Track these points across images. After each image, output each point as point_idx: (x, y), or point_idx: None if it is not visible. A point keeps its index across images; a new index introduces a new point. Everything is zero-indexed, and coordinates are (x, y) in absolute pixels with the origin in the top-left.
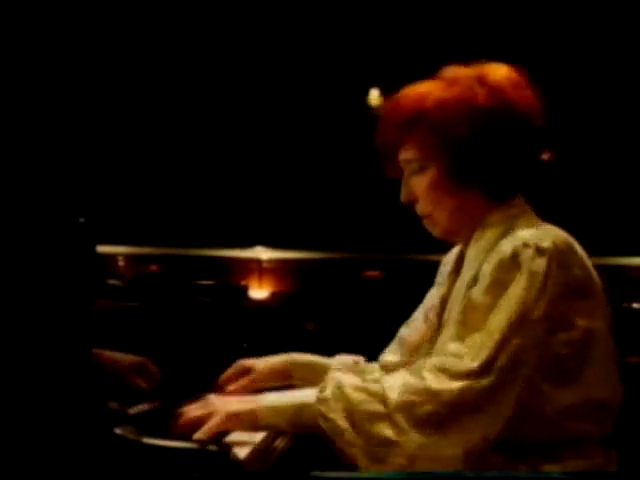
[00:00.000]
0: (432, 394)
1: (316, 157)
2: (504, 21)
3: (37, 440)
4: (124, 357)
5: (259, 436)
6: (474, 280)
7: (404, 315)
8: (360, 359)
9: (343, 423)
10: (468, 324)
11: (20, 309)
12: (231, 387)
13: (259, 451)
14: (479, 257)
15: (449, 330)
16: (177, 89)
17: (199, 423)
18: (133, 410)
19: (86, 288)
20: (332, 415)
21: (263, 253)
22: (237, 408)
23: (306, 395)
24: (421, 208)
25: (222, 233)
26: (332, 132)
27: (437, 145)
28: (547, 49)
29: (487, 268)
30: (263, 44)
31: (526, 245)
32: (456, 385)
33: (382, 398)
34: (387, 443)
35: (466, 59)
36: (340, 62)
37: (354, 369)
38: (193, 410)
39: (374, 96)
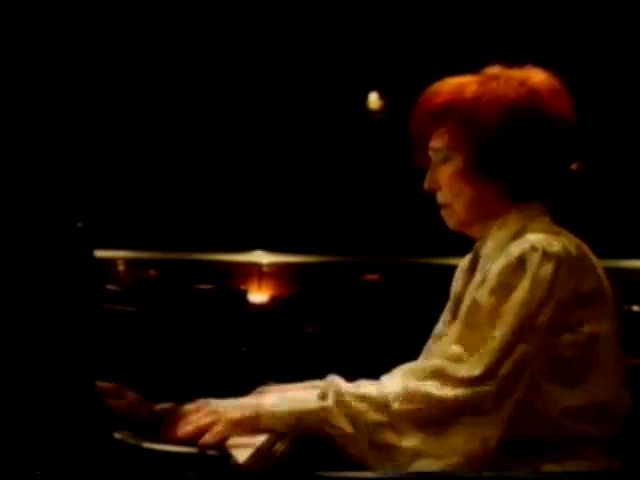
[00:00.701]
0: (434, 401)
1: (315, 161)
2: (504, 23)
3: (36, 445)
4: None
5: (259, 440)
6: (482, 279)
7: (403, 318)
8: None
9: (349, 429)
10: (471, 325)
11: (17, 314)
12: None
13: (259, 455)
14: (491, 257)
15: (453, 330)
16: (176, 94)
17: (202, 431)
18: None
19: (84, 293)
20: (337, 422)
21: (263, 257)
22: (240, 415)
23: (307, 401)
24: (442, 197)
25: (222, 237)
26: (332, 136)
27: (467, 136)
28: (550, 57)
29: (494, 270)
30: (263, 49)
31: (534, 249)
32: (458, 392)
33: (384, 407)
34: (391, 448)
35: (466, 62)
36: (339, 65)
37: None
38: (196, 418)
39: (373, 99)
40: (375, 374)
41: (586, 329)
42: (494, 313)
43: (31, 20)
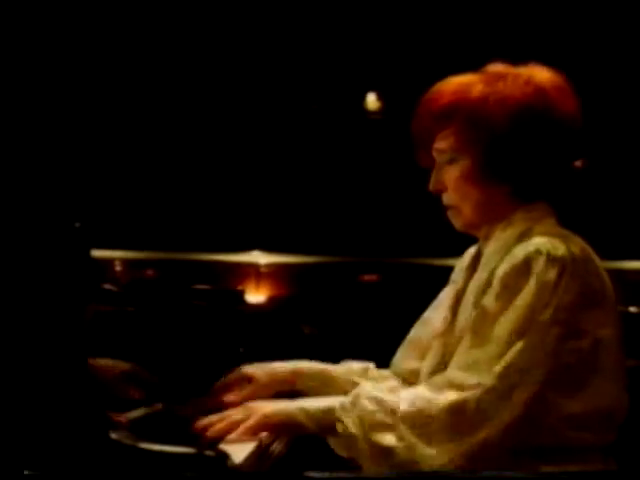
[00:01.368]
0: (435, 404)
1: (313, 161)
2: (503, 22)
3: (32, 446)
4: (112, 365)
5: (255, 441)
6: (488, 282)
7: (402, 318)
8: (369, 365)
9: (355, 430)
10: (480, 333)
11: (14, 314)
12: (232, 397)
13: (255, 456)
14: (496, 257)
15: (465, 340)
16: (173, 94)
17: (235, 426)
18: (130, 415)
19: (81, 293)
20: (347, 421)
21: (261, 257)
22: (271, 410)
23: (334, 400)
24: (448, 198)
25: (219, 237)
26: (329, 136)
27: (474, 137)
28: (549, 57)
29: (499, 273)
30: (260, 49)
31: (539, 252)
32: (458, 396)
33: (392, 409)
34: (389, 452)
35: (465, 63)
36: (337, 66)
37: (367, 377)
38: (233, 414)
39: (371, 100)
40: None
41: (589, 334)
42: (500, 316)
43: (31, 20)
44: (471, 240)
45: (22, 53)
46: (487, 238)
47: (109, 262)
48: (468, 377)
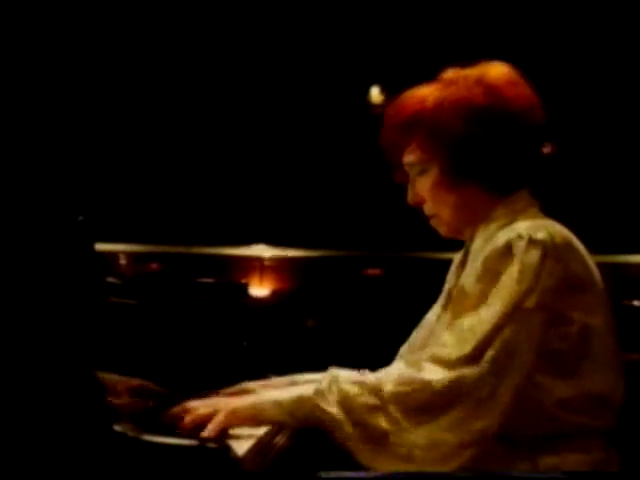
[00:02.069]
0: (424, 384)
1: (317, 155)
2: (503, 17)
3: (36, 438)
4: (118, 381)
5: (258, 433)
6: (470, 270)
7: (405, 312)
8: (365, 372)
9: (339, 415)
10: (459, 312)
11: (18, 308)
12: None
13: (258, 448)
14: (480, 250)
15: (444, 320)
16: (177, 85)
17: (203, 421)
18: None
19: (85, 287)
20: (328, 407)
21: (264, 251)
22: (238, 404)
23: (305, 388)
24: (427, 208)
25: (223, 231)
26: (333, 130)
27: (436, 145)
28: (552, 46)
29: (481, 257)
30: (264, 42)
31: (520, 237)
32: (446, 374)
33: (377, 390)
34: (382, 434)
35: (466, 56)
36: (341, 60)
37: None
38: (197, 409)
39: (375, 94)
40: (377, 368)
41: (578, 319)
42: (482, 298)
43: (31, 20)
44: None
45: (25, 52)
46: (473, 238)
47: (114, 255)
48: (450, 352)
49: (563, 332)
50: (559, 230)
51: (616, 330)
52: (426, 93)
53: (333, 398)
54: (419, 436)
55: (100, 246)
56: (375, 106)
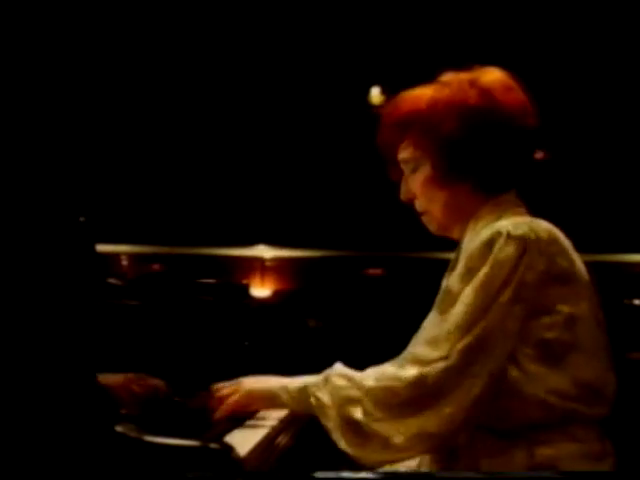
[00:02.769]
0: (398, 380)
1: (318, 155)
2: (502, 21)
3: (37, 438)
4: (114, 377)
5: (260, 434)
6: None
7: (406, 312)
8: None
9: (328, 404)
10: (443, 311)
11: (19, 308)
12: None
13: (261, 448)
14: (467, 248)
15: (429, 318)
16: (178, 86)
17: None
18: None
19: (86, 288)
20: (320, 395)
21: (266, 251)
22: (254, 386)
23: (309, 378)
24: (419, 205)
25: (224, 231)
26: (333, 130)
27: (429, 144)
28: (548, 50)
29: (464, 256)
30: (264, 42)
31: (499, 233)
32: (420, 370)
33: (359, 384)
34: (358, 426)
35: (465, 59)
36: (341, 60)
37: None
38: (222, 389)
39: (375, 94)
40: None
41: (563, 310)
42: (461, 296)
43: (31, 20)
44: None
45: (25, 52)
46: (462, 237)
47: (116, 257)
48: (429, 352)
49: (549, 322)
50: (543, 226)
51: (604, 322)
52: (422, 93)
53: (326, 389)
54: (389, 427)
55: (102, 247)
56: (375, 107)
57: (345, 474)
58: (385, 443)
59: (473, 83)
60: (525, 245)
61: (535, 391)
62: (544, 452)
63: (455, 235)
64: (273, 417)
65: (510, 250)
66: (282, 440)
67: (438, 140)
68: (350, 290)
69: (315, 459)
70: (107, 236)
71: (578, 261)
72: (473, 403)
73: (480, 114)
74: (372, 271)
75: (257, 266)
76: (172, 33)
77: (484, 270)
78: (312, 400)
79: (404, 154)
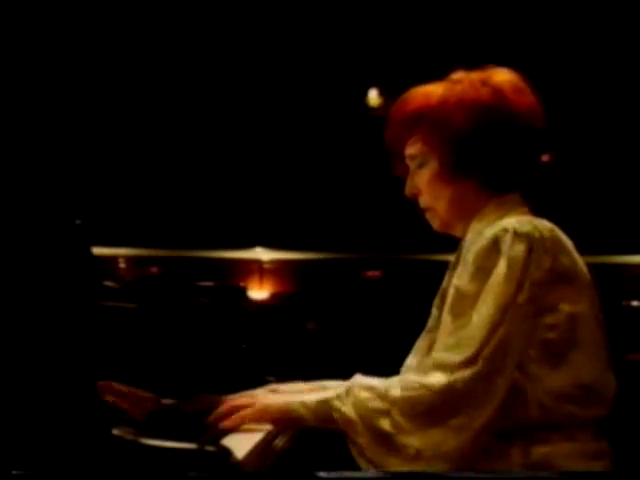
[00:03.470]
0: (425, 389)
1: (316, 157)
2: (504, 23)
3: (34, 441)
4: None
5: (258, 436)
6: (463, 269)
7: (404, 314)
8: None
9: (353, 418)
10: (459, 314)
11: (15, 311)
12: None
13: (258, 451)
14: (470, 247)
15: (444, 322)
16: (175, 89)
17: (236, 410)
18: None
19: (81, 291)
20: (344, 409)
21: (263, 254)
22: (271, 401)
23: (329, 392)
24: (423, 201)
25: (222, 234)
26: (331, 132)
27: (438, 140)
28: (547, 54)
29: (471, 255)
30: (262, 44)
31: (505, 230)
32: (447, 378)
33: (384, 395)
34: (387, 437)
35: (465, 59)
36: (339, 62)
37: None
38: (235, 400)
39: (373, 96)
40: (377, 370)
41: (565, 309)
42: (476, 297)
43: (31, 20)
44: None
45: (24, 52)
46: (465, 235)
47: (113, 259)
48: (453, 357)
49: (551, 322)
50: (545, 224)
51: (604, 323)
52: (432, 90)
53: (349, 402)
54: (420, 438)
55: (100, 250)
56: (373, 108)
57: (346, 474)
58: (416, 455)
59: (485, 82)
60: (531, 243)
61: (535, 392)
62: (540, 451)
63: (457, 233)
64: None
65: (521, 248)
66: (279, 442)
67: (448, 136)
68: (348, 292)
69: (313, 461)
70: (105, 239)
71: (580, 260)
72: (498, 407)
73: (491, 112)
74: (370, 273)
75: (255, 269)
76: (170, 37)
77: (499, 269)
78: (335, 414)
79: (412, 149)
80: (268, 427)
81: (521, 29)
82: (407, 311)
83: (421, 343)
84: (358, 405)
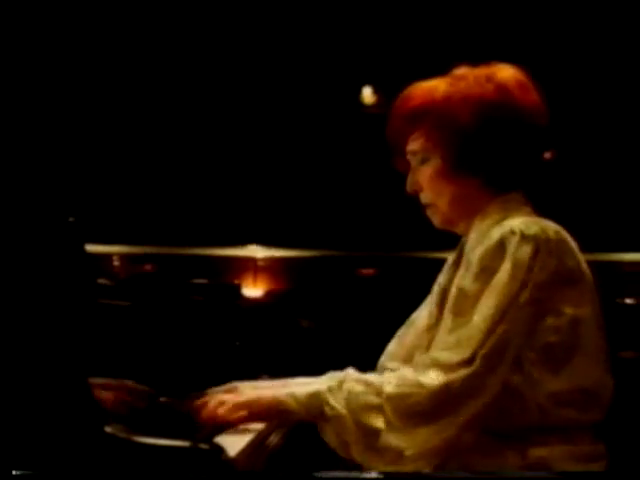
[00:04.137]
0: (420, 386)
1: (310, 155)
2: (502, 21)
3: (28, 439)
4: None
5: (250, 435)
6: (467, 268)
7: (399, 312)
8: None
9: (343, 411)
10: (460, 313)
11: (8, 309)
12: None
13: (251, 449)
14: (474, 247)
15: (445, 321)
16: (170, 87)
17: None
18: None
19: (75, 288)
20: (334, 403)
21: (258, 251)
22: (262, 394)
23: (321, 385)
24: (425, 197)
25: (216, 232)
26: (325, 130)
27: (441, 136)
28: (547, 52)
29: (476, 255)
30: (256, 43)
31: (512, 232)
32: (443, 377)
33: (378, 390)
34: (376, 433)
35: (461, 57)
36: (333, 59)
37: None
38: (221, 394)
39: (367, 93)
40: (371, 368)
41: (568, 312)
42: (478, 298)
43: (31, 20)
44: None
45: (22, 52)
46: (467, 233)
47: (108, 257)
48: (451, 356)
49: (554, 325)
50: (551, 226)
51: (604, 325)
52: (435, 85)
53: (341, 395)
54: (406, 438)
55: (93, 247)
56: (367, 106)
57: (340, 474)
58: (398, 456)
59: (490, 78)
60: (538, 245)
61: (534, 395)
62: (537, 453)
63: (459, 230)
64: None
65: (527, 250)
66: (272, 440)
67: (451, 133)
68: (342, 290)
69: (306, 459)
70: (99, 236)
71: (583, 262)
72: (485, 408)
73: (496, 109)
74: (365, 271)
75: (249, 266)
76: (167, 37)
77: (504, 270)
78: (325, 407)
79: (414, 145)
80: (261, 425)
81: (521, 27)
82: (401, 309)
83: (403, 331)
84: (350, 398)
